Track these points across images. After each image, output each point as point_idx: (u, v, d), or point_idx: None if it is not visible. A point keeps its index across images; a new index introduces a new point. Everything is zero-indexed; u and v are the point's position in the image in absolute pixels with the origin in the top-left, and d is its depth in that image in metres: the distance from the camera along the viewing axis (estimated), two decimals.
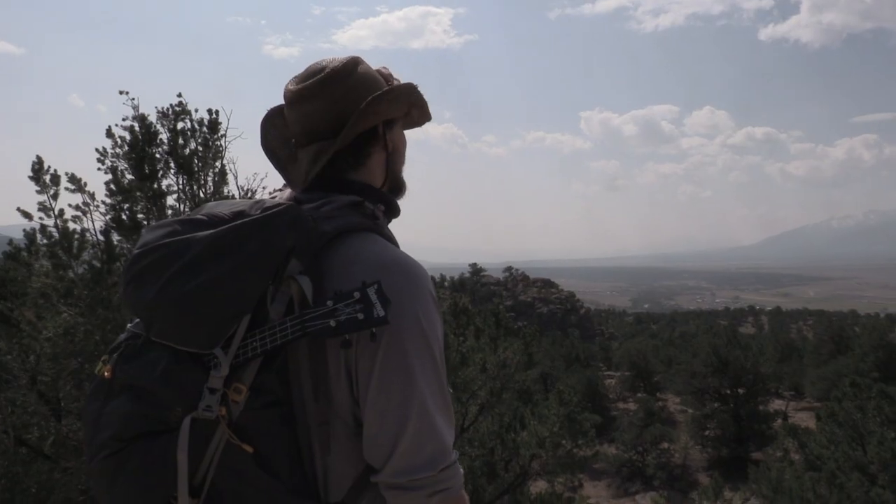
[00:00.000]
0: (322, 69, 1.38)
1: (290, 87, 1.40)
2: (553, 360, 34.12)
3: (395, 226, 1.44)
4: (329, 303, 1.13)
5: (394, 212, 1.46)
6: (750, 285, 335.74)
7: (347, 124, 1.33)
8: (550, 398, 8.62)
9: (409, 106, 1.46)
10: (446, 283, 70.06)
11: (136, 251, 1.27)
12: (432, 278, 1.53)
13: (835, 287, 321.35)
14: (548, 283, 79.95)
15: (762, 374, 25.46)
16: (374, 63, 1.48)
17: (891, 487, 11.63)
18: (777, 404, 28.82)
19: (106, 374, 1.26)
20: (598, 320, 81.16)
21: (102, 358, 1.30)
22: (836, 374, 24.29)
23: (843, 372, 23.23)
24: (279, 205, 1.26)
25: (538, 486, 10.10)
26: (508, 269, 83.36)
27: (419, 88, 1.46)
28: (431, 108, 1.51)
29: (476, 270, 79.66)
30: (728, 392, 24.65)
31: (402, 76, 1.50)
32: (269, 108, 1.52)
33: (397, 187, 1.51)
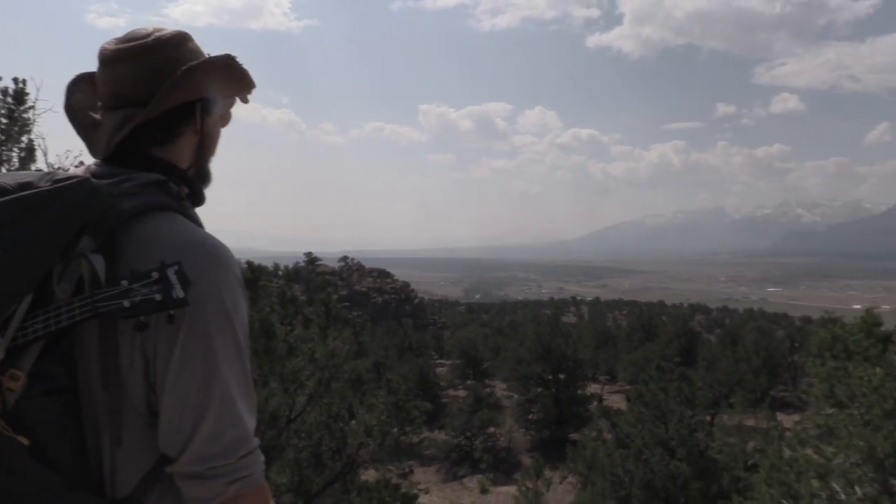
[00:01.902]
0: (147, 35, 1.28)
1: (108, 46, 1.28)
2: (386, 349, 34.39)
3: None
4: (124, 283, 1.05)
5: (198, 199, 1.37)
6: (573, 277, 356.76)
7: (159, 93, 1.24)
8: (380, 387, 8.67)
9: (229, 86, 1.38)
10: (280, 272, 68.39)
11: None
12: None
13: (646, 279, 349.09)
14: (383, 274, 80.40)
15: (581, 360, 27.11)
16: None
17: (687, 460, 12.81)
18: (593, 388, 30.84)
19: None
20: (431, 310, 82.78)
21: None
22: (645, 359, 26.23)
23: (651, 357, 25.19)
24: (71, 177, 1.16)
25: (368, 475, 10.15)
26: (344, 258, 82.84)
27: (237, 59, 1.35)
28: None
29: (311, 259, 78.41)
30: (550, 377, 25.97)
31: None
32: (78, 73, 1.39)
33: (203, 177, 1.43)
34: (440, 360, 39.70)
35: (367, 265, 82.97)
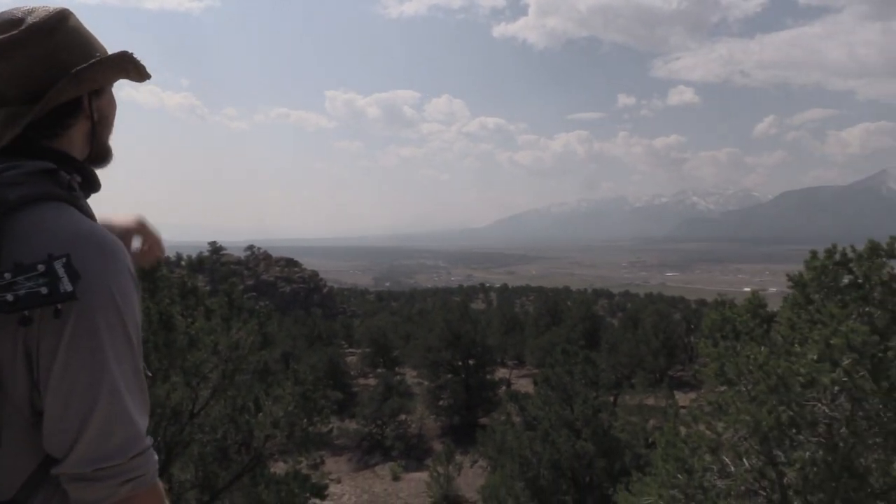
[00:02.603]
0: (19, 21, 1.17)
1: None
2: (295, 339, 33.88)
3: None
4: (7, 275, 1.00)
5: (93, 186, 1.30)
6: (481, 264, 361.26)
7: (46, 94, 1.16)
8: (287, 378, 8.55)
9: (122, 76, 1.31)
10: (182, 263, 66.07)
11: None
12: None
13: (552, 265, 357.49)
14: (291, 263, 79.01)
15: (489, 345, 27.51)
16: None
17: (592, 440, 13.25)
18: (502, 373, 31.40)
19: None
20: (340, 299, 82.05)
21: None
22: (551, 344, 26.83)
23: (557, 341, 25.81)
24: None
25: (278, 467, 10.00)
26: (250, 247, 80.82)
27: (134, 56, 1.30)
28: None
29: (216, 249, 76.04)
30: (460, 364, 26.24)
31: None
32: None
33: (102, 157, 1.36)
34: (350, 349, 39.47)
35: (275, 254, 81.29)
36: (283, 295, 67.79)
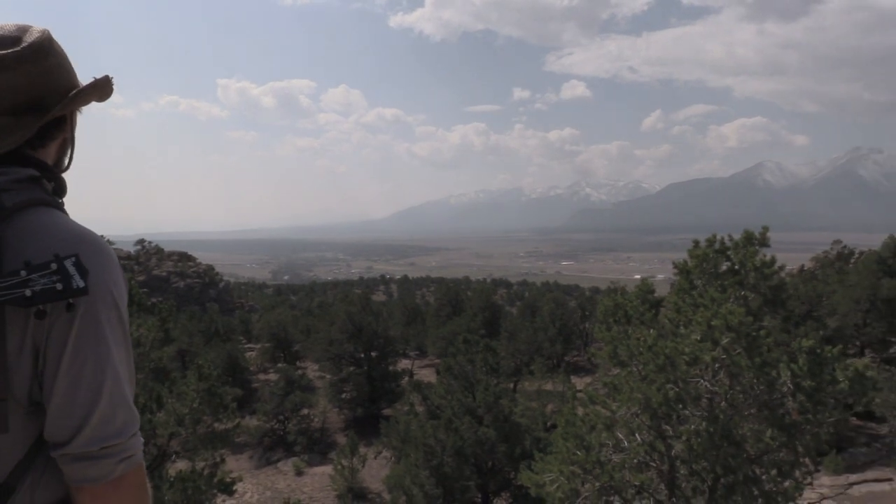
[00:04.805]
0: (16, 40, 1.25)
1: None
2: (191, 335, 32.81)
3: None
4: (22, 273, 1.09)
5: (62, 192, 1.40)
6: (381, 256, 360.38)
7: (50, 111, 1.26)
8: (189, 374, 8.37)
9: (99, 96, 1.41)
10: None
11: None
12: None
13: (452, 256, 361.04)
14: (185, 257, 76.20)
15: (391, 337, 27.60)
16: None
17: (493, 426, 13.64)
18: (404, 363, 31.57)
19: None
20: (238, 293, 79.90)
21: None
22: (452, 333, 27.19)
23: (458, 331, 26.18)
24: None
25: (179, 466, 9.75)
26: (141, 241, 77.43)
27: (113, 79, 1.41)
28: None
29: None
30: (362, 356, 26.23)
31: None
32: None
33: (64, 167, 1.47)
34: (249, 345, 38.60)
35: (167, 248, 78.17)
36: (177, 290, 65.38)
